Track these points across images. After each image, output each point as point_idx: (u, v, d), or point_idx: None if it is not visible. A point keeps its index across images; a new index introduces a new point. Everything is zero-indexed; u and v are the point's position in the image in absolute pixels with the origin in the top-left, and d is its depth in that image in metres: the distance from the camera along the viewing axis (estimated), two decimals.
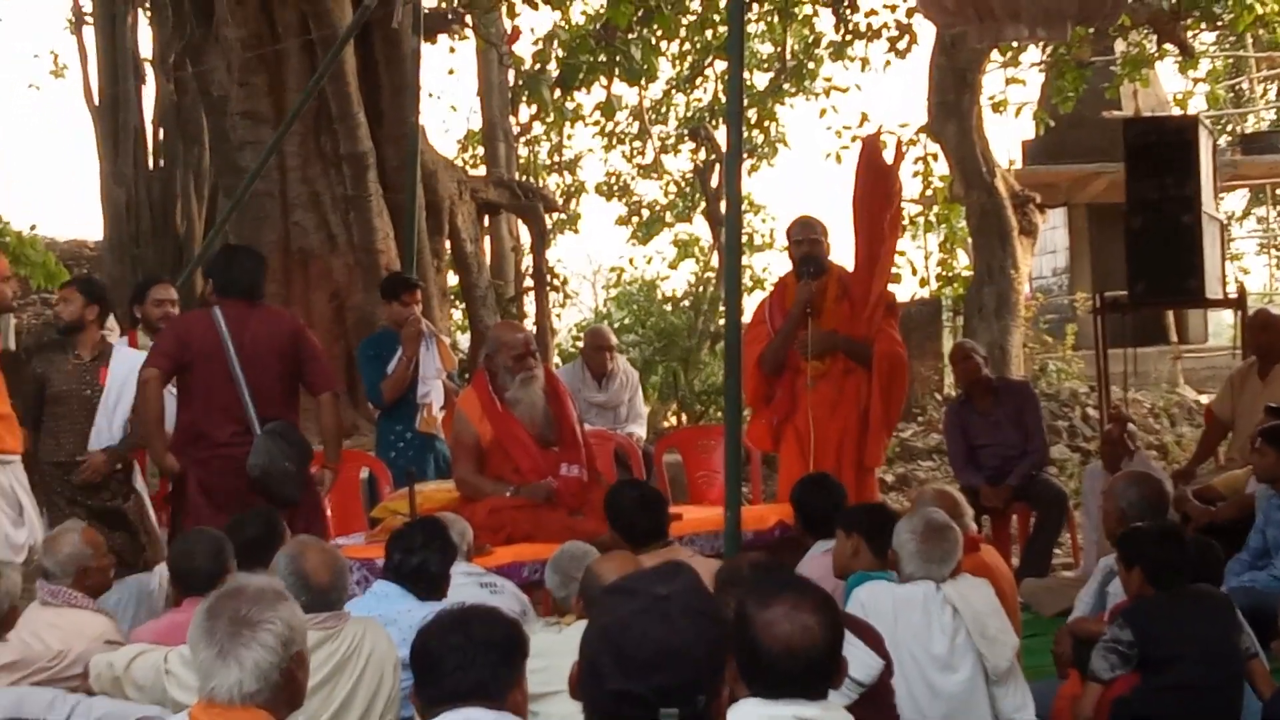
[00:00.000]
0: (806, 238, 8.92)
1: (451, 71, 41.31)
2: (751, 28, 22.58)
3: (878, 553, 5.93)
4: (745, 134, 23.30)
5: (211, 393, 7.63)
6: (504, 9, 17.95)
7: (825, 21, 21.49)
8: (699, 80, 25.13)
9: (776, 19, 21.81)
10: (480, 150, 24.51)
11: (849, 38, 19.91)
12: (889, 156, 9.04)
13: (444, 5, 16.30)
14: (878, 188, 8.83)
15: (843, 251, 9.25)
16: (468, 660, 3.85)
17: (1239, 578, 7.47)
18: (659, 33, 17.78)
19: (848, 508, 6.29)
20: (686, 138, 26.52)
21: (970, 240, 19.60)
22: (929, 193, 20.88)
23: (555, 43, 18.44)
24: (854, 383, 8.79)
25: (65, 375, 8.24)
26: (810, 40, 22.85)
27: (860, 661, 4.69)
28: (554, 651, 4.96)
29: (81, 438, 8.16)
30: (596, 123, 25.97)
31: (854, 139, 20.88)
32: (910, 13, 18.08)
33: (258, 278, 8.00)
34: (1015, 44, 17.76)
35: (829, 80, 23.59)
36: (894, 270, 11.93)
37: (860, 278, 8.84)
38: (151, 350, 7.80)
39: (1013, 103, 21.21)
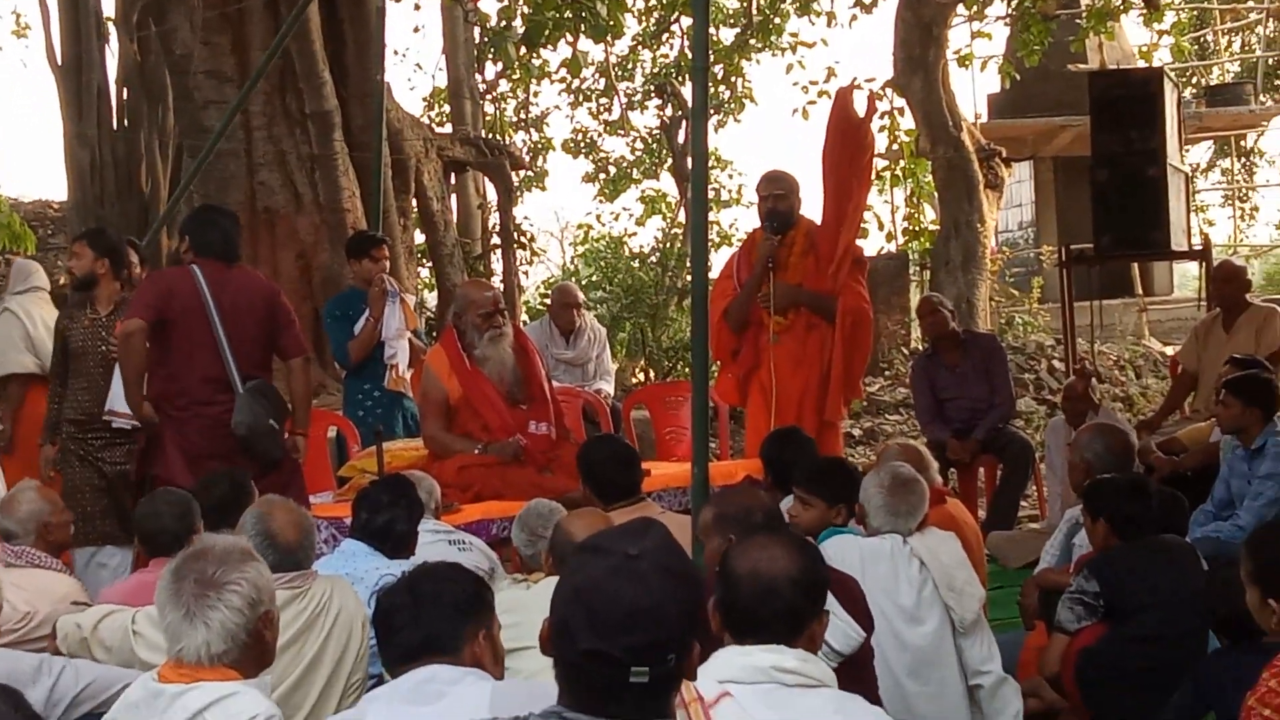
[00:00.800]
0: (772, 192, 8.89)
1: (417, 29, 40.93)
2: None
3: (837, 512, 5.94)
4: (711, 90, 23.23)
5: (191, 350, 7.56)
6: None
7: None
8: (665, 36, 25.11)
9: None
10: (446, 108, 24.43)
11: None
12: (860, 110, 9.03)
13: None
14: (848, 141, 8.80)
15: (812, 205, 9.24)
16: (413, 618, 3.91)
17: (1203, 528, 7.52)
18: None
19: (804, 471, 6.25)
20: (653, 94, 26.51)
21: (936, 194, 19.63)
22: (895, 147, 20.87)
23: None
24: (817, 337, 8.78)
25: (83, 331, 8.13)
26: None
27: (840, 631, 4.71)
28: (524, 607, 4.98)
29: (99, 395, 8.02)
30: (563, 79, 25.94)
31: (821, 94, 20.88)
32: None
33: (234, 239, 7.95)
34: None
35: (795, 35, 23.60)
36: (862, 225, 11.93)
37: (827, 232, 8.82)
38: (133, 301, 7.68)
39: (978, 56, 21.30)
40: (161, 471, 7.50)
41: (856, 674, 4.74)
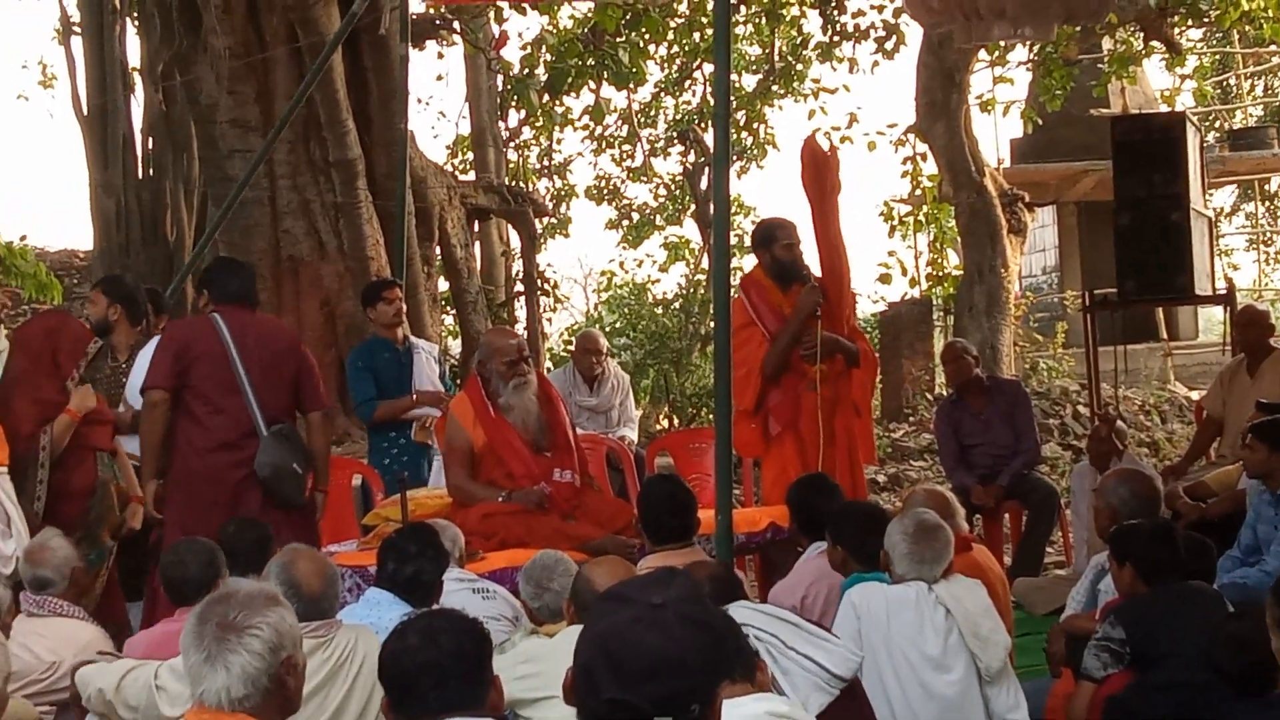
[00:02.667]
0: (795, 240, 8.90)
1: (440, 77, 40.94)
2: (739, 29, 22.60)
3: (865, 560, 5.95)
4: (734, 136, 23.31)
5: (212, 394, 7.58)
6: (491, 14, 17.96)
7: (813, 23, 21.56)
8: (687, 83, 25.15)
9: (764, 20, 21.82)
10: (470, 155, 24.49)
11: (836, 39, 19.96)
12: (824, 146, 9.07)
13: (431, 11, 16.28)
14: (823, 180, 8.83)
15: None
16: (446, 676, 3.87)
17: (1230, 574, 7.48)
18: (647, 36, 17.78)
19: (833, 516, 6.27)
20: (675, 140, 26.52)
21: (960, 239, 19.61)
22: (918, 192, 20.89)
23: (543, 47, 18.44)
24: (846, 383, 8.81)
25: (106, 380, 8.16)
26: (798, 41, 22.88)
27: (839, 656, 4.70)
28: (545, 657, 4.97)
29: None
30: (585, 126, 25.99)
31: (843, 140, 20.91)
32: (897, 13, 18.14)
33: (252, 285, 7.99)
34: (1002, 43, 17.81)
35: (817, 81, 23.64)
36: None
37: (829, 279, 8.84)
38: (152, 367, 7.67)
39: (1000, 101, 21.29)
40: (169, 522, 7.51)
41: (851, 703, 4.74)
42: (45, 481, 7.63)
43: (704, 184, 23.20)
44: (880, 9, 18.68)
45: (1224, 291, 13.15)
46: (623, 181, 28.77)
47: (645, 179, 28.12)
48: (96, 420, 7.84)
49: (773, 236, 9.00)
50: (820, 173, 8.83)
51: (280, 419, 7.69)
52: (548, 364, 18.13)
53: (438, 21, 16.30)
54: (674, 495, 6.72)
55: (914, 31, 18.44)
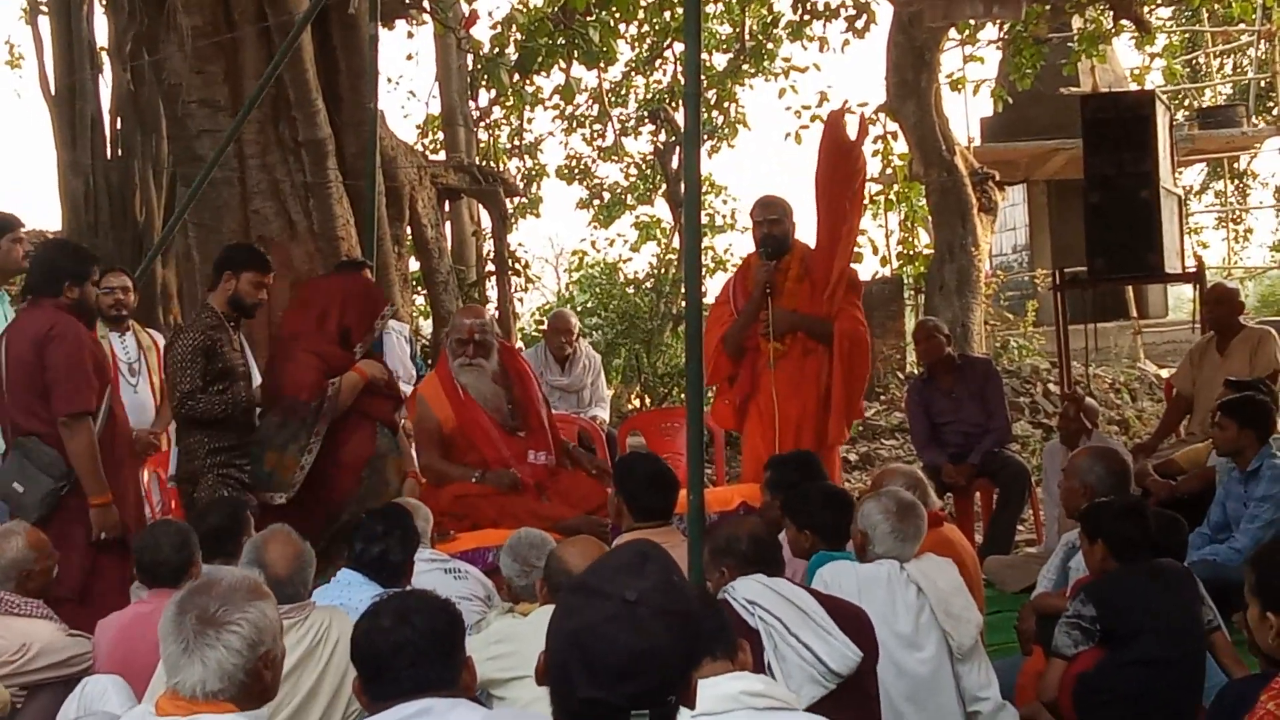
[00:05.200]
0: (766, 218, 8.90)
1: (410, 57, 41.06)
2: (710, 8, 22.57)
3: (831, 540, 5.95)
4: (704, 115, 23.27)
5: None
6: None
7: (783, 1, 21.54)
8: (658, 62, 25.10)
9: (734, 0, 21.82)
10: (440, 135, 24.41)
11: (807, 17, 19.94)
12: (852, 132, 9.03)
13: None
14: (840, 165, 8.81)
15: (806, 229, 9.24)
16: (420, 656, 3.87)
17: (1200, 551, 7.54)
18: (617, 15, 17.72)
19: (795, 500, 6.24)
20: (646, 120, 26.47)
21: (930, 218, 19.66)
22: (888, 171, 20.90)
23: (513, 26, 18.38)
24: (815, 362, 8.78)
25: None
26: (769, 20, 22.85)
27: (837, 652, 4.71)
28: (519, 636, 4.97)
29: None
30: (556, 106, 25.92)
31: (813, 119, 20.89)
32: None
33: (39, 278, 7.38)
34: (972, 22, 17.83)
35: (788, 60, 23.66)
36: (856, 248, 11.94)
37: (822, 256, 8.83)
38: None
39: (971, 80, 21.32)
40: None
41: (855, 698, 4.74)
42: (320, 434, 7.71)
43: (675, 163, 23.21)
44: None
45: (1193, 269, 13.18)
46: (594, 161, 28.74)
47: (616, 158, 28.09)
48: (381, 393, 7.91)
49: (751, 216, 9.08)
50: (838, 157, 8.81)
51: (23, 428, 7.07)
52: (519, 344, 18.11)
53: (407, 0, 16.23)
54: (660, 474, 6.68)
55: (884, 10, 18.46)
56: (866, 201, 21.64)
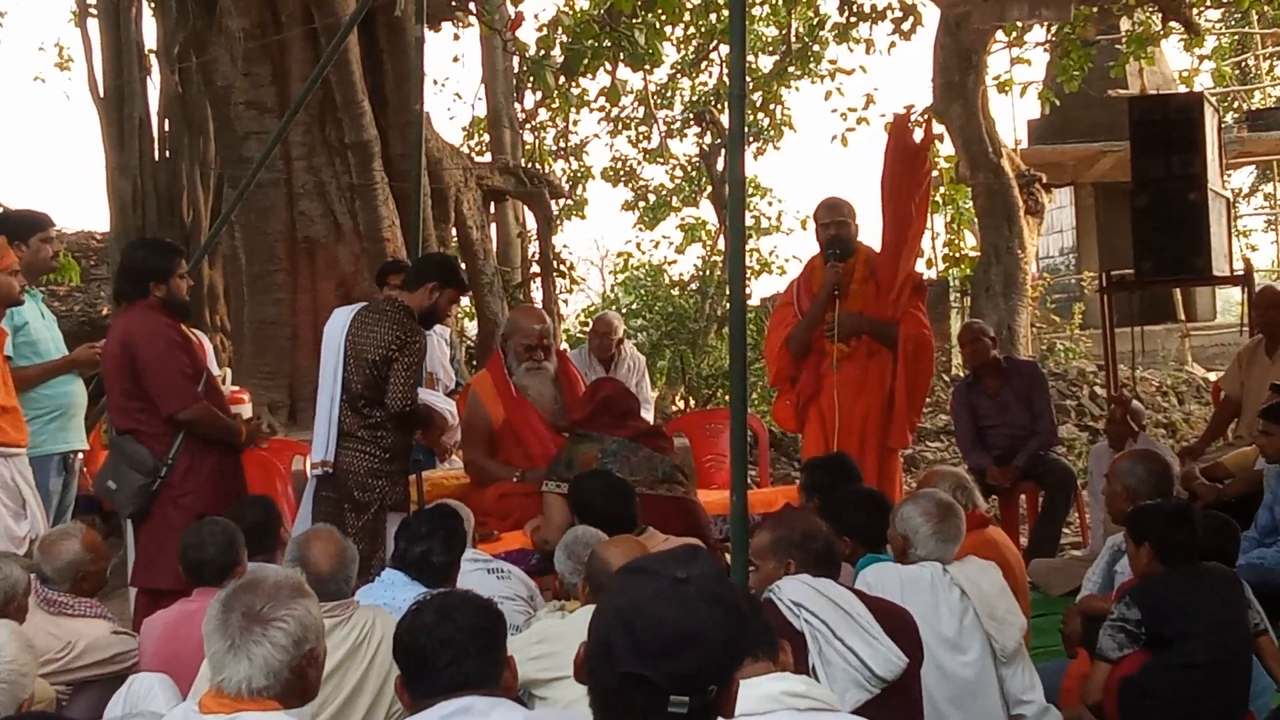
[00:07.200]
0: (832, 220, 8.87)
1: (456, 59, 41.31)
2: (755, 10, 22.59)
3: (871, 544, 5.94)
4: (750, 117, 23.27)
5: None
6: None
7: (830, 3, 21.56)
8: (704, 64, 25.13)
9: (781, 1, 21.80)
10: (485, 137, 24.46)
11: (853, 20, 19.93)
12: (918, 137, 9.02)
13: None
14: (906, 168, 8.79)
15: (871, 232, 9.22)
16: (462, 653, 3.87)
17: (1247, 555, 7.48)
18: (663, 17, 17.72)
19: (835, 506, 6.21)
20: (691, 122, 26.49)
21: (977, 220, 19.60)
22: (935, 173, 20.85)
23: (559, 28, 18.42)
24: (878, 364, 8.75)
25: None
26: (815, 22, 22.84)
27: (882, 657, 4.69)
28: (559, 636, 4.97)
29: None
30: (601, 108, 25.97)
31: (860, 120, 20.89)
32: None
33: (127, 280, 7.53)
34: (1020, 24, 17.77)
35: (834, 63, 23.64)
36: (920, 251, 11.89)
37: (887, 259, 8.80)
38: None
39: (1018, 82, 21.24)
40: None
41: (899, 702, 4.72)
42: None
43: (720, 165, 23.21)
44: None
45: (1242, 272, 13.10)
46: (639, 163, 28.78)
47: (661, 160, 28.11)
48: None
49: (815, 218, 9.07)
50: (904, 161, 8.79)
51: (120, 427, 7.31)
52: (564, 345, 18.14)
53: (453, 3, 16.25)
54: (611, 486, 6.67)
55: (931, 12, 18.44)
56: (929, 205, 21.76)
